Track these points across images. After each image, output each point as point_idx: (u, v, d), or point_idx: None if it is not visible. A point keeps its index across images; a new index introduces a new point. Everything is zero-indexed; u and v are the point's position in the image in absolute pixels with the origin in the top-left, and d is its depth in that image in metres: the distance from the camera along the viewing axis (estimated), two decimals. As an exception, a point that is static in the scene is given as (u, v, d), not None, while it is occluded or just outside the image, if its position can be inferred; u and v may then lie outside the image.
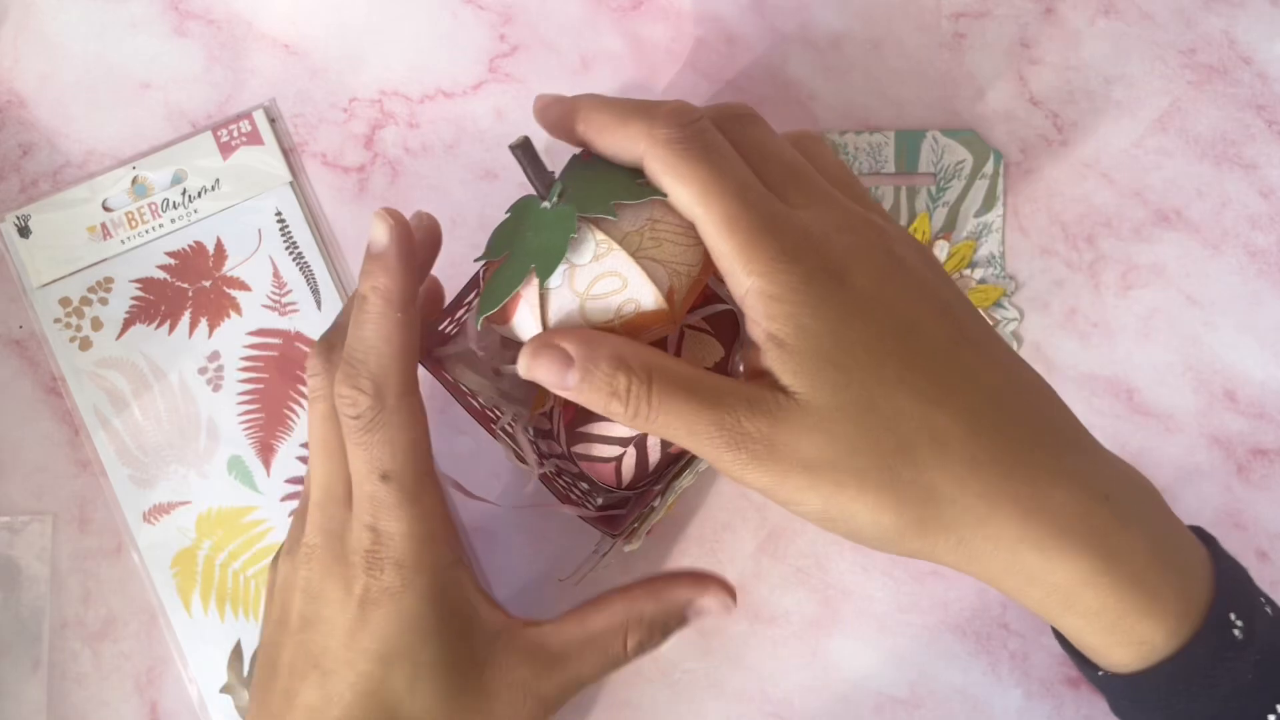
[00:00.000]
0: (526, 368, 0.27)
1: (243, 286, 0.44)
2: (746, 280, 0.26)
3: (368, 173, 0.45)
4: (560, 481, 0.38)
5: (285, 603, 0.31)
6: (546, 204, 0.29)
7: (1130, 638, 0.26)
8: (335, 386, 0.30)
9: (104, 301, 0.44)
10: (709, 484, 0.44)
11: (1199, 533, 0.29)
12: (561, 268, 0.28)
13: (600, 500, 0.39)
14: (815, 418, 0.25)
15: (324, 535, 0.31)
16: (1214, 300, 0.44)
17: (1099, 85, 0.45)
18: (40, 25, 0.45)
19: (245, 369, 0.44)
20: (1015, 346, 0.44)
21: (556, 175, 0.31)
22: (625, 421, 0.27)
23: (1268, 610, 0.28)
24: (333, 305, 0.44)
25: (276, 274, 0.44)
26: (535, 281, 0.28)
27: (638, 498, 0.37)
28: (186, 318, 0.44)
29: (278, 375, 0.44)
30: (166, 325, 0.44)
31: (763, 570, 0.44)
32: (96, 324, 0.44)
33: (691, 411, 0.26)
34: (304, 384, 0.43)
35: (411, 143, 0.45)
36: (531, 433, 0.39)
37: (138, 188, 0.44)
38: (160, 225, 0.44)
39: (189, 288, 0.44)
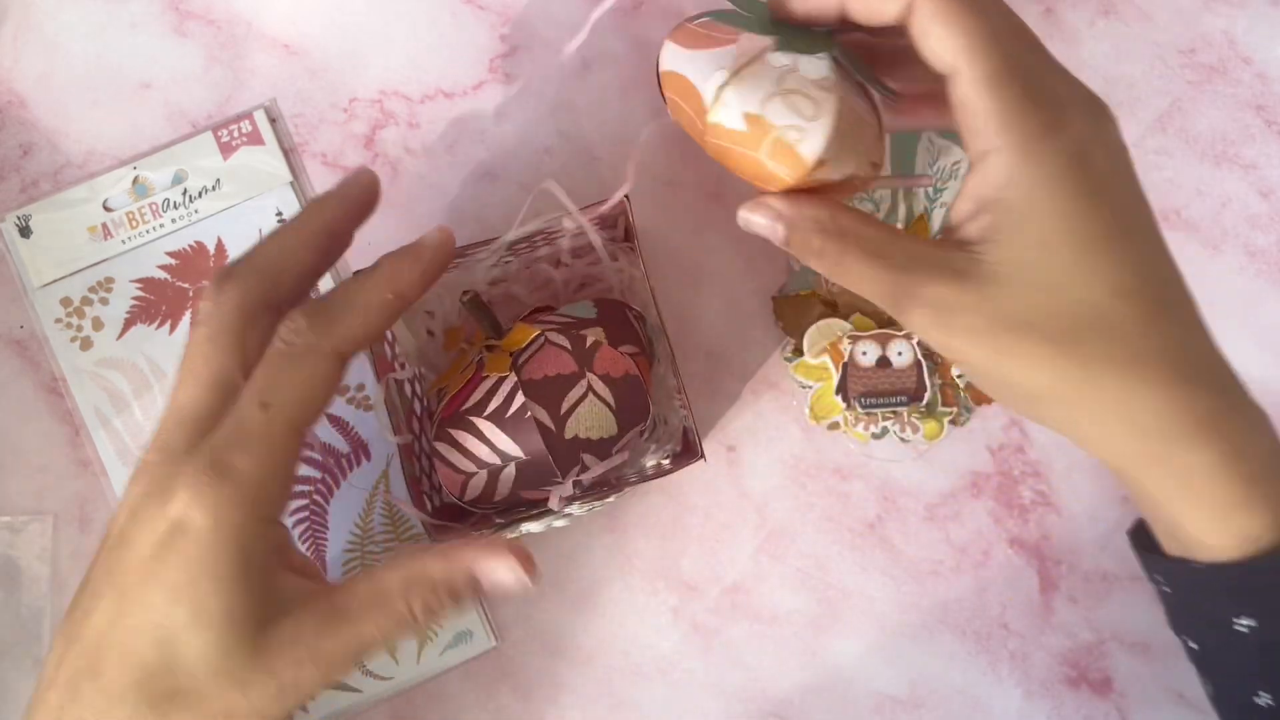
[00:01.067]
0: (745, 219, 0.31)
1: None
2: (995, 136, 0.27)
3: (368, 173, 0.45)
4: (418, 463, 0.38)
5: (115, 521, 0.30)
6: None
7: (1236, 529, 0.29)
8: (294, 316, 0.30)
9: (105, 302, 0.44)
10: (709, 484, 0.44)
11: None
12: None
13: (438, 502, 0.39)
14: (1000, 288, 0.28)
15: (161, 454, 0.29)
16: (1213, 300, 0.44)
17: (1098, 85, 0.45)
18: (40, 25, 0.46)
19: (245, 369, 0.44)
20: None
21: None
22: (824, 273, 0.30)
23: None
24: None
25: None
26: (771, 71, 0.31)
27: (474, 522, 0.37)
28: (187, 318, 0.44)
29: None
30: (167, 325, 0.44)
31: (763, 570, 0.44)
32: (97, 324, 0.44)
33: (876, 272, 0.29)
34: None
35: (411, 143, 0.45)
36: (419, 406, 0.40)
37: (138, 188, 0.44)
38: (161, 225, 0.44)
39: (189, 288, 0.44)
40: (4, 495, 0.44)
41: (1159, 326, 0.28)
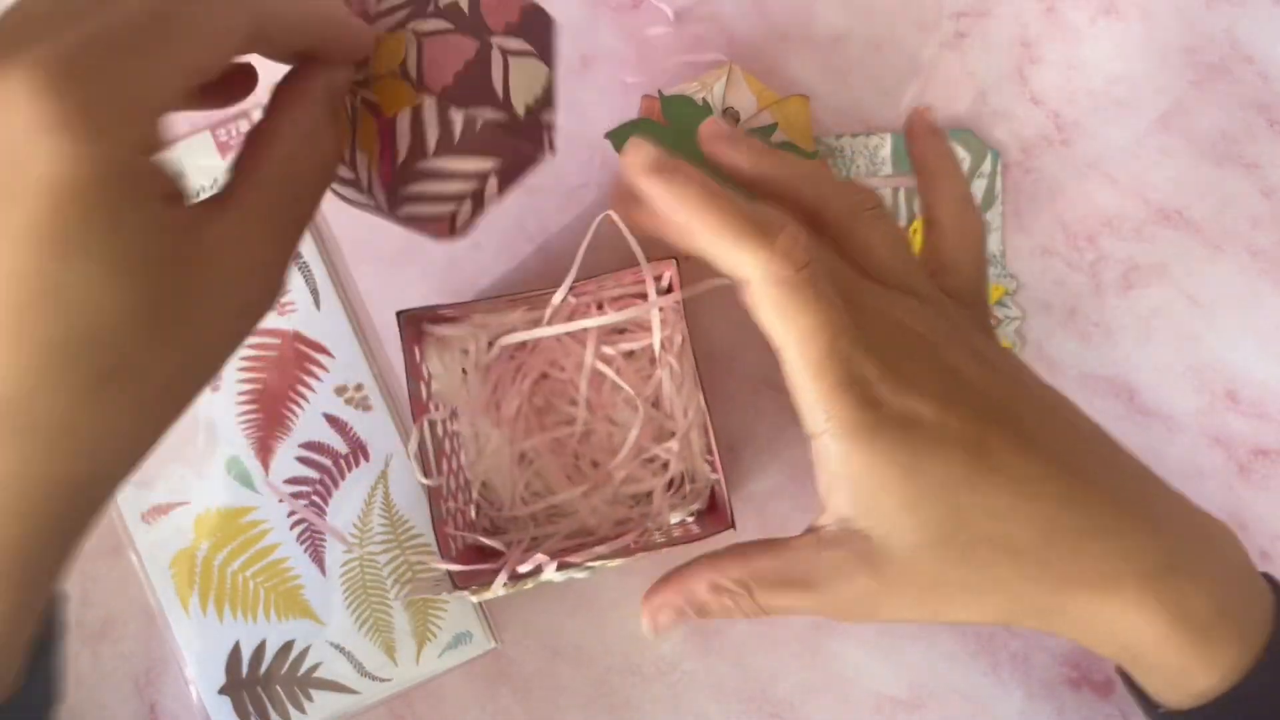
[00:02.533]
0: (648, 630, 0.31)
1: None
2: (820, 422, 0.28)
3: (367, 172, 0.45)
4: (446, 504, 0.39)
5: None
6: None
7: (1186, 684, 0.29)
8: None
9: (102, 301, 0.44)
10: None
11: (1268, 577, 0.31)
12: None
13: (462, 545, 0.38)
14: (900, 563, 0.28)
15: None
16: (1215, 300, 0.44)
17: (1100, 84, 0.45)
18: (38, 24, 0.45)
19: (244, 369, 0.43)
20: (1018, 345, 0.44)
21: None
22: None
23: None
24: (331, 305, 0.44)
25: None
26: None
27: (499, 567, 0.37)
28: None
29: (276, 375, 0.43)
30: None
31: (763, 571, 0.44)
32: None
33: (798, 601, 0.29)
34: (303, 384, 0.43)
35: (411, 142, 0.45)
36: (449, 445, 0.40)
37: (136, 187, 0.44)
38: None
39: None
40: (1, 495, 0.43)
41: (1057, 528, 0.28)
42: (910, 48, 0.45)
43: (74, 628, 0.43)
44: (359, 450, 0.43)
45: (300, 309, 0.44)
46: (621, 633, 0.43)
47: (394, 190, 0.31)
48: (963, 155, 0.44)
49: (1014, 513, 0.28)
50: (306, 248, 0.44)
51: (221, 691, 0.42)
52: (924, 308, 0.30)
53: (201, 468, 0.43)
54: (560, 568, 0.36)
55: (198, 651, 0.42)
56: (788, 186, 0.31)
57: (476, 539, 0.40)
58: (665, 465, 0.43)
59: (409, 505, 0.43)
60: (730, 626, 0.43)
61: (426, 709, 0.43)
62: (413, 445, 0.37)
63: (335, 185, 0.31)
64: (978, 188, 0.44)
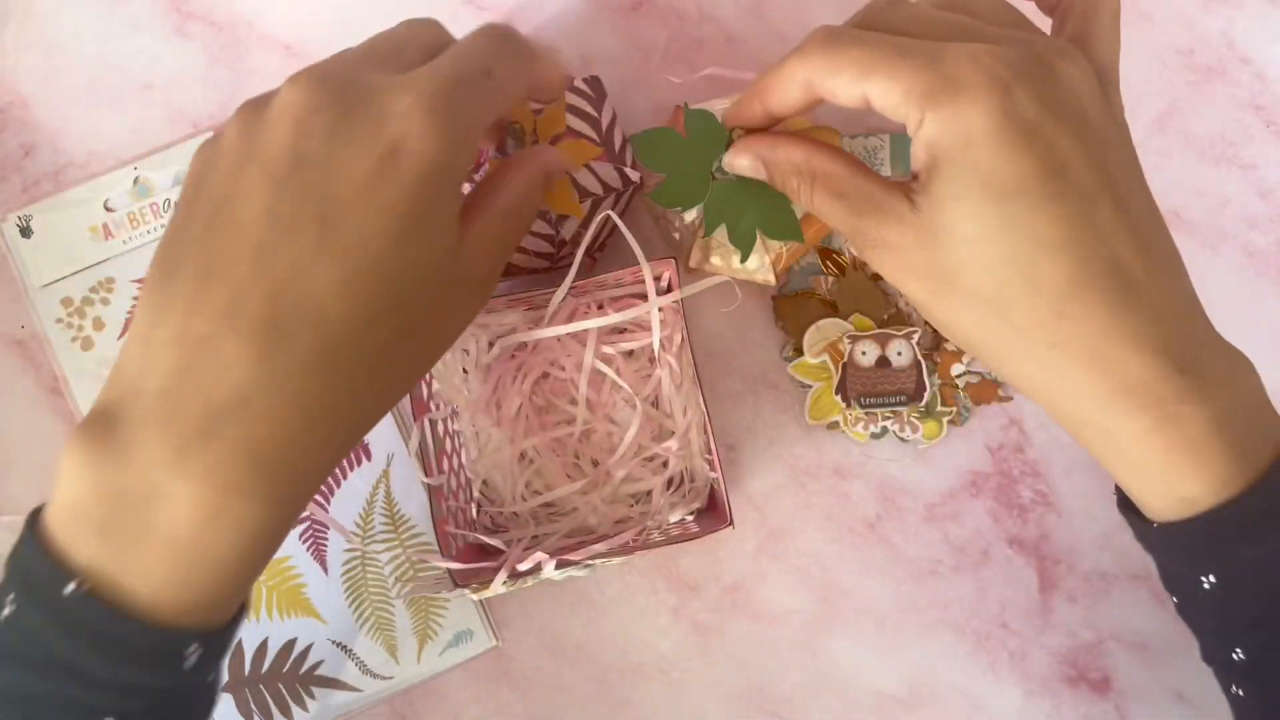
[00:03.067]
0: (730, 162, 0.35)
1: None
2: (915, 114, 0.28)
3: (368, 173, 0.45)
4: (447, 503, 0.39)
5: (260, 130, 0.27)
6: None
7: (1173, 491, 0.29)
8: (506, 31, 0.31)
9: (105, 302, 0.44)
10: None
11: None
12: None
13: (463, 543, 0.40)
14: (932, 236, 0.29)
15: (347, 75, 0.27)
16: (1213, 300, 0.44)
17: (1098, 86, 0.45)
18: (42, 27, 0.46)
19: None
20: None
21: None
22: (804, 207, 0.33)
23: None
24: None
25: None
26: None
27: (499, 566, 0.37)
28: None
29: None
30: None
31: (763, 570, 0.44)
32: (98, 324, 0.44)
33: (838, 213, 0.31)
34: None
35: (412, 143, 0.45)
36: (450, 444, 0.41)
37: (139, 188, 0.44)
38: (162, 226, 0.44)
39: None
40: (5, 495, 0.44)
41: (1094, 286, 0.27)
42: (909, 49, 0.46)
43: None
44: (360, 449, 0.44)
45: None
46: (622, 631, 0.43)
47: (589, 252, 0.41)
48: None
49: (1057, 250, 0.27)
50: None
51: (224, 689, 0.42)
52: (1059, 40, 0.31)
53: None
54: (559, 566, 0.37)
55: (200, 650, 0.43)
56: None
57: (477, 537, 0.40)
58: (665, 464, 0.43)
59: (410, 504, 0.43)
60: (731, 626, 0.43)
61: (427, 707, 0.43)
62: (414, 444, 0.38)
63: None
64: None
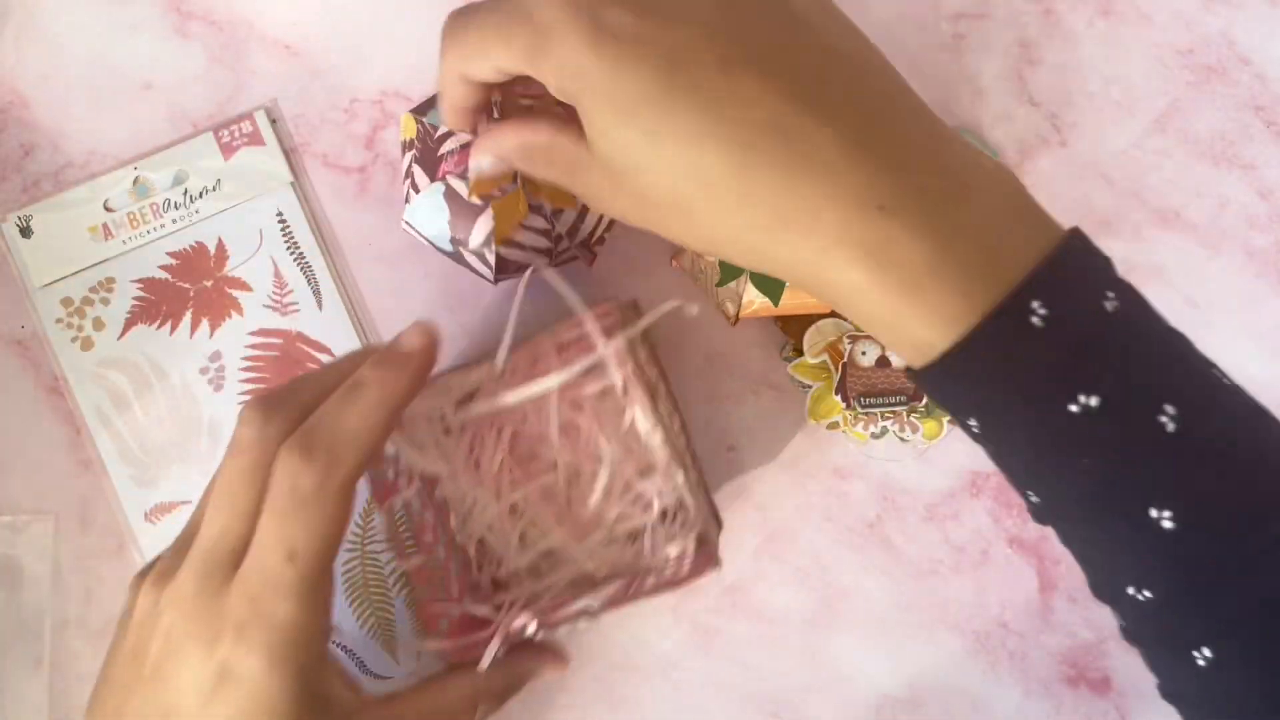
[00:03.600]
0: (472, 168, 0.34)
1: (244, 287, 0.44)
2: (535, 71, 0.28)
3: (369, 173, 0.45)
4: (431, 583, 0.39)
5: (142, 642, 0.30)
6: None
7: (906, 339, 0.27)
8: (285, 451, 0.29)
9: (105, 302, 0.44)
10: (708, 484, 0.44)
11: (1073, 232, 0.28)
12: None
13: (453, 615, 0.39)
14: (612, 173, 0.29)
15: (198, 586, 0.29)
16: (1213, 301, 0.44)
17: (1098, 86, 0.45)
18: (42, 26, 0.46)
19: (246, 369, 0.44)
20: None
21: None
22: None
23: (1107, 304, 0.27)
24: (334, 305, 0.44)
25: (278, 274, 0.44)
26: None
27: (492, 635, 0.37)
28: (188, 318, 0.44)
29: (279, 375, 0.44)
30: (168, 325, 0.44)
31: (763, 570, 0.44)
32: (98, 324, 0.44)
33: (560, 181, 0.31)
34: None
35: (412, 143, 0.45)
36: (429, 517, 0.40)
37: (139, 188, 0.44)
38: (161, 226, 0.44)
39: (190, 288, 0.44)
40: (5, 495, 0.44)
41: (750, 162, 0.26)
42: (908, 49, 0.46)
43: (77, 626, 0.43)
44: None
45: (302, 309, 0.44)
46: (622, 631, 0.43)
47: (588, 245, 0.39)
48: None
49: (707, 139, 0.26)
50: (309, 248, 0.44)
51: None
52: None
53: (205, 467, 0.43)
54: (551, 626, 0.36)
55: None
56: None
57: (463, 609, 0.39)
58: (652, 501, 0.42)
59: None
60: (731, 626, 0.43)
61: (428, 707, 0.43)
62: (384, 530, 0.37)
63: (514, 240, 0.38)
64: None
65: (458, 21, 0.30)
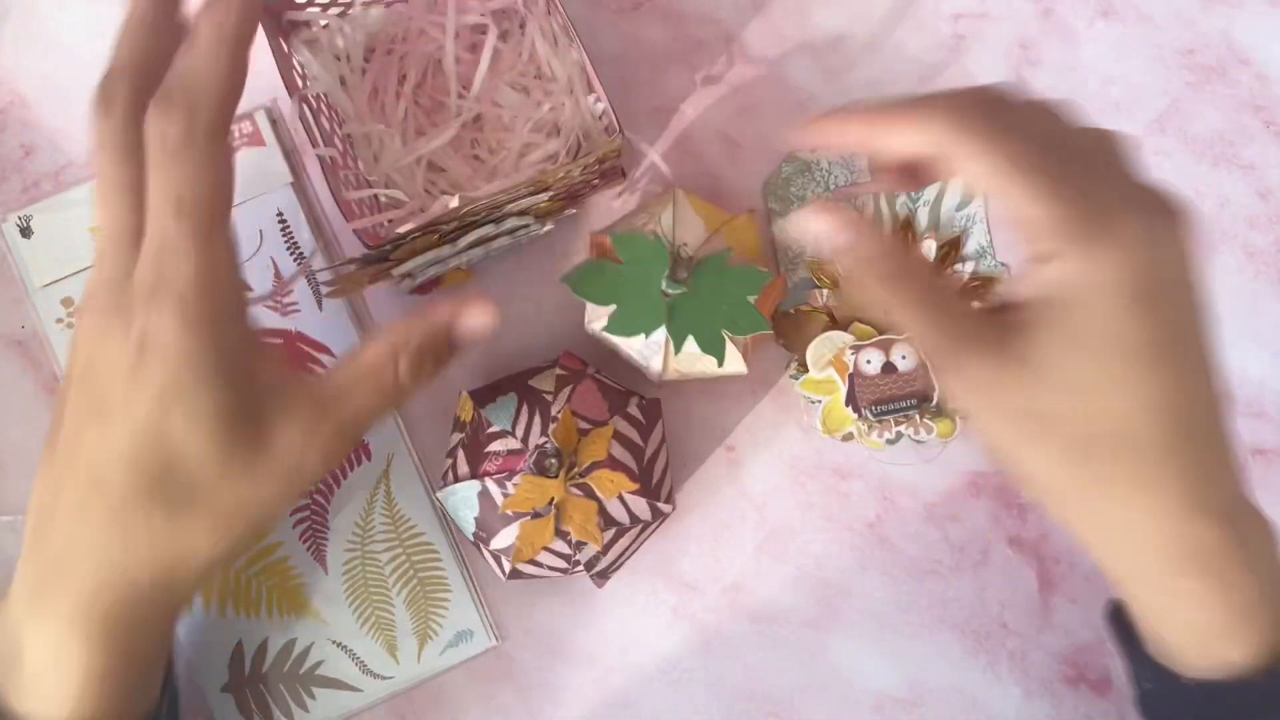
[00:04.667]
0: (804, 226, 0.30)
1: (246, 289, 0.44)
2: (1051, 246, 0.28)
3: (369, 173, 0.45)
4: (341, 174, 0.39)
5: (72, 355, 0.31)
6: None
7: (1218, 653, 0.30)
8: (149, 114, 0.29)
9: (106, 302, 0.44)
10: (709, 484, 0.44)
11: None
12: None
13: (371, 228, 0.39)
14: (1036, 378, 0.28)
15: (106, 282, 0.30)
16: (1213, 301, 0.44)
17: (1097, 86, 0.45)
18: (42, 26, 0.46)
19: (246, 369, 0.44)
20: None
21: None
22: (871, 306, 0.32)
23: None
24: (333, 305, 0.44)
25: (278, 274, 0.44)
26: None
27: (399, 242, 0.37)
28: None
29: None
30: None
31: (763, 570, 0.44)
32: (98, 324, 0.44)
33: (924, 333, 0.29)
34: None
35: (412, 143, 0.45)
36: (328, 122, 0.41)
37: (139, 188, 0.44)
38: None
39: None
40: (5, 495, 0.44)
41: (1180, 451, 0.28)
42: (909, 49, 0.46)
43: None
44: (360, 450, 0.44)
45: (303, 309, 0.44)
46: (622, 631, 0.44)
47: (605, 573, 0.40)
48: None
49: (1162, 414, 0.28)
50: (309, 249, 0.44)
51: (224, 689, 0.42)
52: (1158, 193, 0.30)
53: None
54: (465, 212, 0.36)
55: (200, 650, 0.43)
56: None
57: (377, 192, 0.40)
58: (559, 129, 0.43)
59: (410, 505, 0.44)
60: (731, 626, 0.43)
61: (428, 707, 0.43)
62: (294, 115, 0.38)
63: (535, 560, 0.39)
64: (957, 184, 0.45)
65: (1007, 120, 0.28)
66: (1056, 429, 0.28)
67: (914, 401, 0.42)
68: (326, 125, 0.41)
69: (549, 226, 0.42)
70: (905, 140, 0.29)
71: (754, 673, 0.43)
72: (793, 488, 0.44)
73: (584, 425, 0.38)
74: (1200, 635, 0.30)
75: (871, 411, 0.42)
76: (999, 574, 0.44)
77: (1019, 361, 0.28)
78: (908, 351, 0.43)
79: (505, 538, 0.38)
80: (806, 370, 0.43)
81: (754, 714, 0.43)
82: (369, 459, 0.44)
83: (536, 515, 0.38)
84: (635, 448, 0.39)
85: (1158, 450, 0.28)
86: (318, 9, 0.43)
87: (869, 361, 0.43)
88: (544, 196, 0.39)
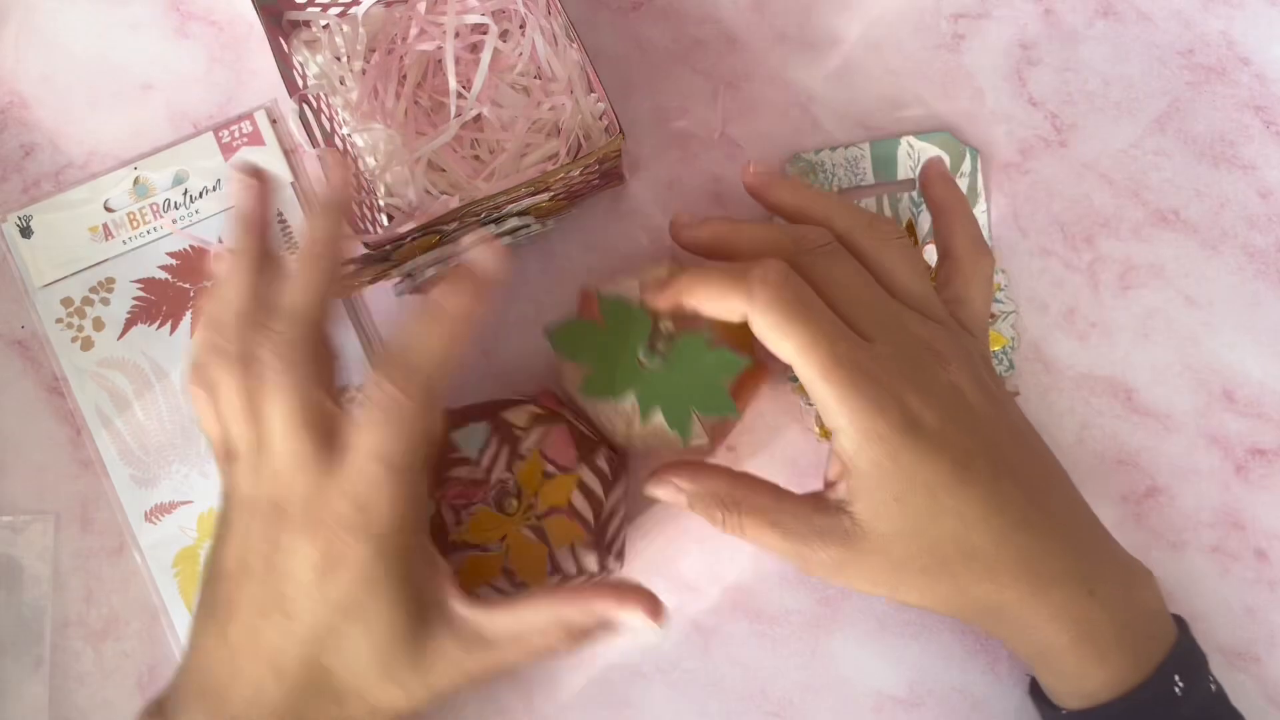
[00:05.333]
0: (650, 492, 0.37)
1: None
2: (839, 421, 0.33)
3: (369, 173, 0.45)
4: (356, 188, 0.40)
5: (248, 548, 0.34)
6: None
7: (1083, 689, 0.36)
8: (377, 374, 0.33)
9: (105, 302, 0.44)
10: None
11: (1178, 619, 0.37)
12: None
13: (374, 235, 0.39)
14: (875, 543, 0.34)
15: (301, 484, 0.33)
16: (1212, 300, 0.44)
17: (1098, 86, 0.45)
18: (42, 26, 0.46)
19: (246, 369, 0.44)
20: (1014, 339, 0.44)
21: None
22: (727, 532, 0.36)
23: (1211, 687, 0.36)
24: (332, 305, 0.44)
25: None
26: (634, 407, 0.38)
27: (411, 239, 0.38)
28: (188, 318, 0.44)
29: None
30: (168, 325, 0.44)
31: (763, 570, 0.44)
32: (98, 324, 0.44)
33: (774, 541, 0.35)
34: None
35: (412, 143, 0.45)
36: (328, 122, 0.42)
37: (139, 188, 0.44)
38: (161, 226, 0.44)
39: (190, 288, 0.44)
40: (5, 495, 0.44)
41: (1008, 542, 0.34)
42: (909, 49, 0.46)
43: (77, 626, 0.43)
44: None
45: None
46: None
47: None
48: (944, 156, 0.45)
49: (980, 523, 0.33)
50: None
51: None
52: (938, 328, 0.35)
53: (204, 467, 0.43)
54: (463, 203, 0.37)
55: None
56: (823, 217, 0.37)
57: (388, 201, 0.40)
58: (559, 129, 0.43)
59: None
60: (730, 626, 0.43)
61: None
62: (294, 117, 0.39)
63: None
64: (960, 187, 0.45)
65: (796, 303, 0.33)
66: (909, 570, 0.34)
67: None
68: (327, 126, 0.41)
69: (550, 225, 0.42)
70: (715, 313, 0.35)
71: (754, 673, 0.43)
72: (793, 487, 0.44)
73: (550, 469, 0.38)
74: (1070, 677, 0.36)
75: None
76: (999, 574, 0.44)
77: (854, 537, 0.34)
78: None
79: (450, 566, 0.38)
80: None
81: (754, 714, 0.43)
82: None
83: (484, 550, 0.38)
84: (596, 501, 0.39)
85: (994, 549, 0.34)
86: (318, 9, 0.42)
87: None
88: (544, 197, 0.39)
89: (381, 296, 0.45)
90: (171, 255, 0.44)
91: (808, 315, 0.33)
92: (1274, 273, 0.44)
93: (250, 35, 0.45)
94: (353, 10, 0.43)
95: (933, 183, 0.40)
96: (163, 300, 0.44)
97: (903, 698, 0.43)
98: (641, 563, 0.44)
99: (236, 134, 0.44)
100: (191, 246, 0.44)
